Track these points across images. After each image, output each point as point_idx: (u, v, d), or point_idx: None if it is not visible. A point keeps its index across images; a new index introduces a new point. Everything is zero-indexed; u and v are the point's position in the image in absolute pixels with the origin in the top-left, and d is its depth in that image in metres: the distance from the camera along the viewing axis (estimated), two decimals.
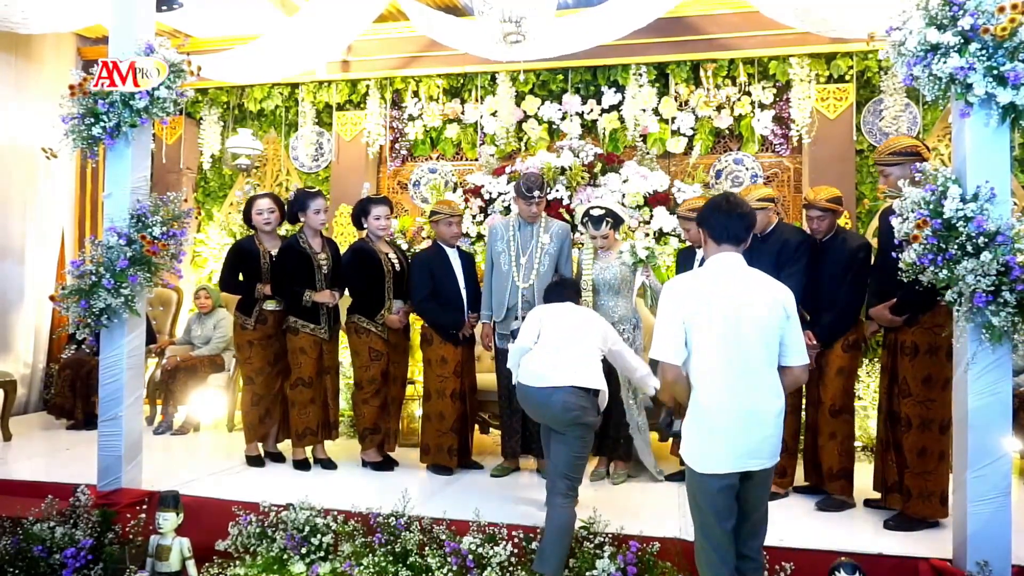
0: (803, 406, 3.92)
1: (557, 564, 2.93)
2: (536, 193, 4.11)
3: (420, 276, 4.34)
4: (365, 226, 4.45)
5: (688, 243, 4.18)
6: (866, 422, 3.89)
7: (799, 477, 3.95)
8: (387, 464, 4.39)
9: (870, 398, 3.90)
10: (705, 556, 2.43)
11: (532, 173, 4.22)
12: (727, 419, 2.33)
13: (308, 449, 4.47)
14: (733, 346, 2.34)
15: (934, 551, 2.98)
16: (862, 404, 4.92)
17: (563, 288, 3.60)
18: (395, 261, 4.43)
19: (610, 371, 4.00)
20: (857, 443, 4.62)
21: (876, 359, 3.87)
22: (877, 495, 3.63)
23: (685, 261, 4.07)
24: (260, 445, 4.53)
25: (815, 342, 3.70)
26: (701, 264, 3.52)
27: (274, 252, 4.44)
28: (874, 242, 3.79)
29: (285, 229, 5.94)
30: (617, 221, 4.11)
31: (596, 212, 4.09)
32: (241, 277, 4.44)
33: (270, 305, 4.41)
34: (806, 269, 3.75)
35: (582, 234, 5.26)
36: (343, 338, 4.66)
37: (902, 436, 3.39)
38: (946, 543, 2.99)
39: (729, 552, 2.40)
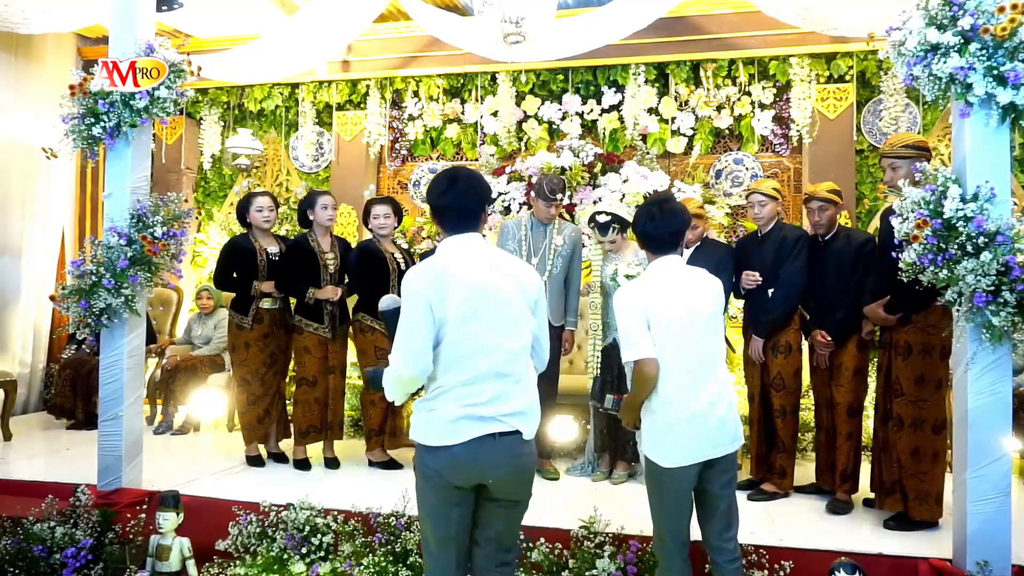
0: (799, 407, 3.90)
1: None
2: (559, 196, 4.13)
3: None
4: (370, 226, 4.48)
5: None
6: (866, 422, 3.90)
7: (799, 478, 3.94)
8: (393, 463, 4.39)
9: (869, 397, 3.90)
10: (664, 546, 2.54)
11: (554, 176, 4.26)
12: (689, 413, 2.43)
13: (311, 448, 4.46)
14: (688, 342, 2.46)
15: (934, 551, 2.98)
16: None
17: (468, 188, 2.22)
18: (400, 260, 4.44)
19: (619, 372, 4.02)
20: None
21: (876, 358, 3.87)
22: (874, 495, 3.63)
23: None
24: (260, 445, 4.53)
25: (828, 339, 3.69)
26: (690, 261, 3.53)
27: (271, 250, 4.45)
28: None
29: (285, 229, 5.96)
30: (624, 225, 4.06)
31: (602, 219, 4.01)
32: (235, 275, 4.42)
33: (267, 304, 4.40)
34: (806, 266, 3.75)
35: (584, 234, 5.29)
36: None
37: (894, 436, 3.40)
38: (946, 543, 2.99)
39: (687, 541, 2.52)
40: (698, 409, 2.43)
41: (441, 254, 2.21)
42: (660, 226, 2.56)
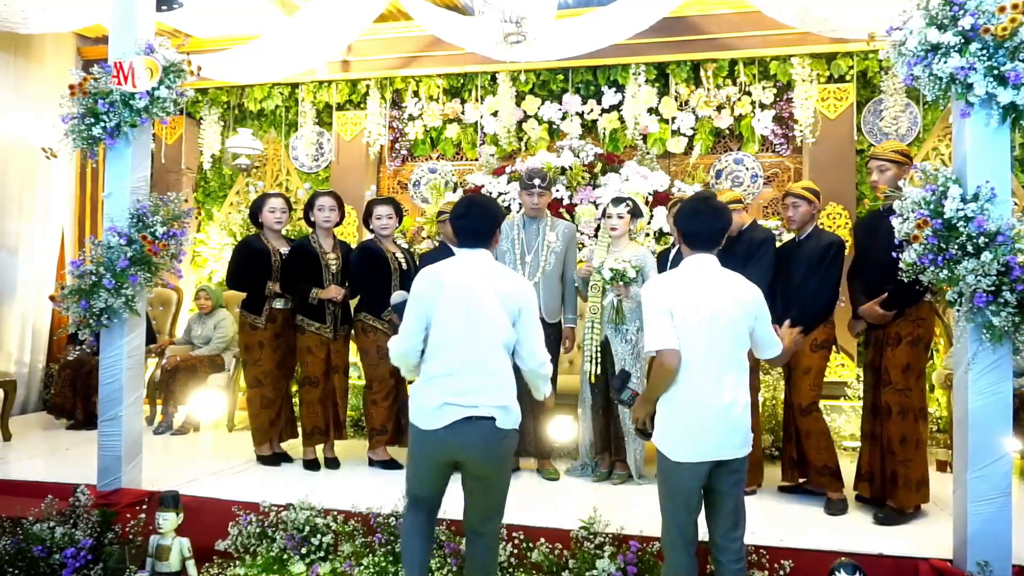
0: (757, 403, 3.97)
1: None
2: (536, 181, 4.14)
3: None
4: (371, 227, 4.48)
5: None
6: (859, 420, 3.94)
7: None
8: (394, 463, 4.39)
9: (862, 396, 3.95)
10: (671, 540, 2.54)
11: (534, 167, 4.31)
12: (706, 410, 2.45)
13: (319, 448, 4.47)
14: (709, 341, 2.47)
15: (934, 551, 2.98)
16: (853, 405, 4.95)
17: (480, 213, 2.64)
18: (402, 260, 4.45)
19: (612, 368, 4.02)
20: (848, 441, 4.73)
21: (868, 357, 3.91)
22: (857, 491, 3.71)
23: (660, 262, 4.09)
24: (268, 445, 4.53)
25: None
26: (674, 263, 3.56)
27: (284, 251, 4.47)
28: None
29: (286, 230, 5.94)
30: (636, 212, 4.09)
31: (621, 194, 4.25)
32: (249, 275, 4.43)
33: (279, 303, 4.43)
34: (771, 265, 3.80)
35: (582, 233, 5.29)
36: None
37: (884, 425, 3.49)
38: (946, 543, 2.99)
39: (694, 538, 2.54)
40: (714, 408, 2.44)
41: (449, 260, 2.64)
42: (704, 223, 2.58)
